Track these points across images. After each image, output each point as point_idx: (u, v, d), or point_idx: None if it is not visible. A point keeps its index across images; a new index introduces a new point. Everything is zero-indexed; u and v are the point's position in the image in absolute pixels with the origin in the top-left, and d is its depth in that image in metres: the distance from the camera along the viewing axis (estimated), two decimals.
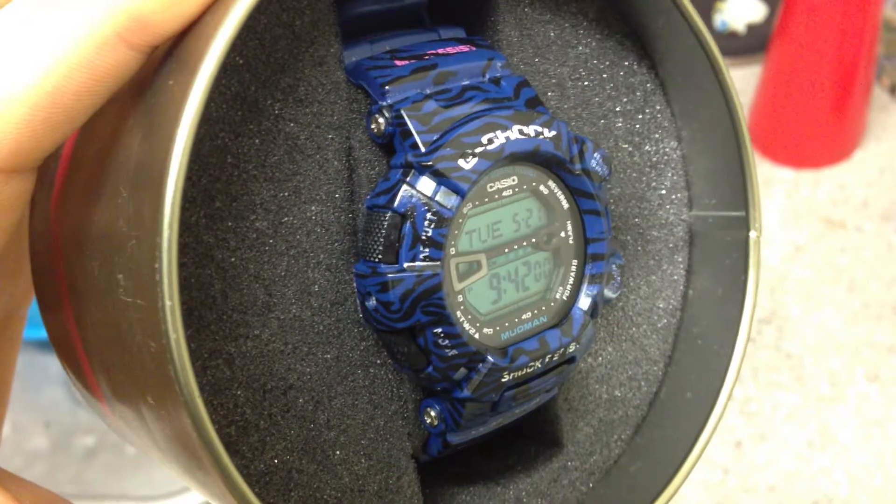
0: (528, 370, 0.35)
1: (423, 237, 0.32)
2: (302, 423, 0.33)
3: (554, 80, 0.39)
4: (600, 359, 0.41)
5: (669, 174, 0.42)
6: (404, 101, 0.33)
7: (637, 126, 0.41)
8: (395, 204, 0.32)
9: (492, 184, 0.34)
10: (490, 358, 0.33)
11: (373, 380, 0.35)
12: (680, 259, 0.42)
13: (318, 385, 0.34)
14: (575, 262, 0.36)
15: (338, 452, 0.34)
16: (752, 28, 1.88)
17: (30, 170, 0.31)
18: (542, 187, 0.35)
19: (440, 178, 0.32)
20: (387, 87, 0.33)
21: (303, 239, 0.33)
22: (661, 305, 0.42)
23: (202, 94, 0.26)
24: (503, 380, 0.34)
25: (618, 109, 0.41)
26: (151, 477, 1.19)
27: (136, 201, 0.27)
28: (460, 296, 0.33)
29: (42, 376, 1.34)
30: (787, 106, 1.63)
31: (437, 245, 0.32)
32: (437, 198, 0.32)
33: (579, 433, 0.40)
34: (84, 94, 0.29)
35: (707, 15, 1.91)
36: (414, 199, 0.32)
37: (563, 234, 0.36)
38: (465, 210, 0.33)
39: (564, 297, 0.36)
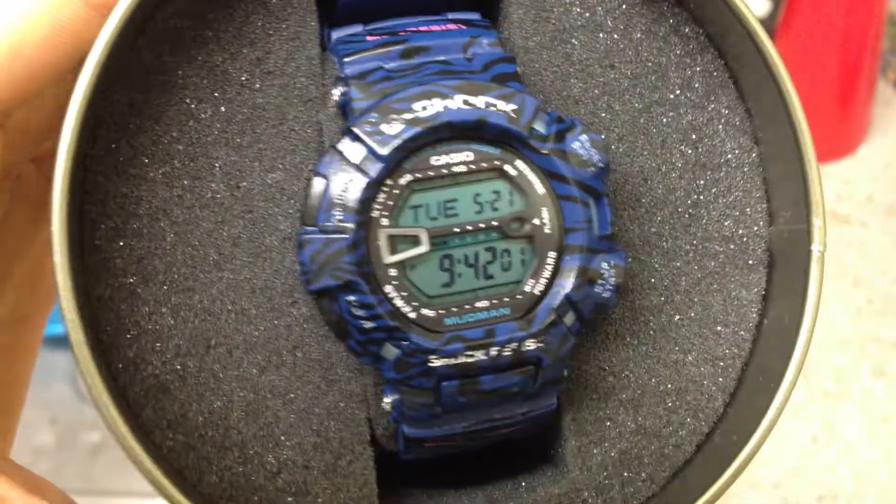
0: (466, 360, 0.32)
1: (337, 200, 0.32)
2: (244, 384, 0.34)
3: (577, 67, 0.37)
4: (626, 381, 0.37)
5: (739, 179, 0.38)
6: (357, 73, 0.33)
7: (694, 121, 0.38)
8: (319, 167, 0.32)
9: (437, 157, 0.32)
10: (413, 337, 0.32)
11: (328, 355, 0.35)
12: (754, 280, 0.37)
13: (265, 350, 0.34)
14: (553, 254, 0.33)
15: (280, 423, 0.34)
16: None
17: None
18: (508, 167, 0.33)
19: (360, 142, 0.32)
20: (345, 60, 0.33)
21: (260, 205, 0.34)
22: (723, 332, 0.37)
23: (106, 41, 0.31)
24: (431, 364, 0.32)
25: (666, 99, 0.37)
26: None
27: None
28: (394, 270, 0.32)
29: (48, 373, 1.35)
30: None
31: (351, 210, 0.32)
32: (361, 163, 0.32)
33: (592, 460, 0.36)
34: (45, 49, 0.30)
35: None
36: (335, 163, 0.32)
37: (537, 222, 0.33)
38: (401, 181, 0.32)
39: (536, 292, 0.33)
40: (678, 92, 0.38)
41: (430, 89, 0.32)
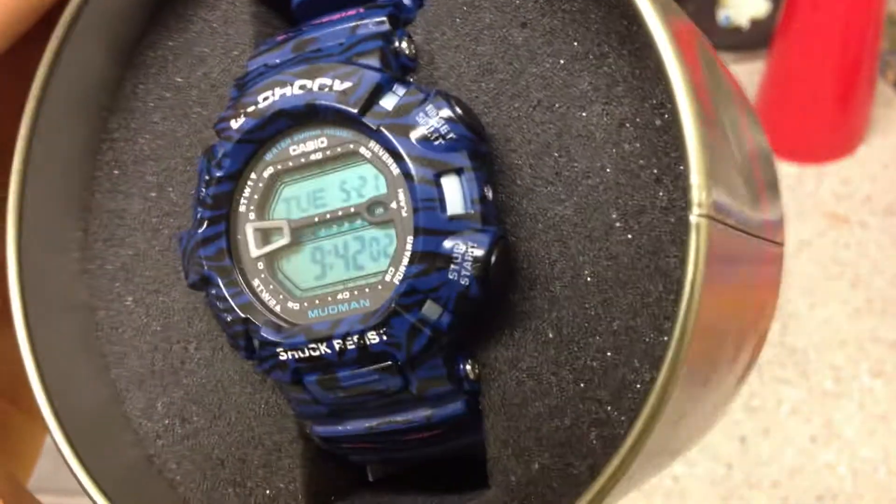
0: (311, 353, 0.31)
1: (199, 198, 0.32)
2: (192, 376, 0.36)
3: (486, 59, 0.33)
4: (548, 385, 0.32)
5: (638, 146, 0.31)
6: (242, 74, 0.33)
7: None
8: (198, 166, 0.33)
9: (294, 146, 0.32)
10: (262, 330, 0.32)
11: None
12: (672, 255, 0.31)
13: (203, 342, 0.36)
14: (411, 238, 0.30)
15: (222, 417, 0.35)
16: (755, 23, 1.88)
17: None
18: (363, 149, 0.31)
19: (219, 139, 0.32)
20: (248, 63, 0.34)
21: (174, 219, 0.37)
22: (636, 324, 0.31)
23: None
24: (281, 357, 0.31)
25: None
26: None
27: None
28: (261, 263, 0.32)
29: None
30: (790, 101, 1.63)
31: (206, 205, 0.32)
32: (217, 160, 0.32)
33: (513, 473, 0.32)
34: None
35: (710, 10, 1.91)
36: (202, 162, 0.33)
37: (394, 205, 0.31)
38: (265, 174, 0.32)
39: (396, 281, 0.30)
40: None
41: (275, 79, 0.31)
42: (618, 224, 0.30)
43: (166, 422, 0.37)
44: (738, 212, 0.30)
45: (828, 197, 1.59)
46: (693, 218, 0.27)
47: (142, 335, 0.37)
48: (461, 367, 0.32)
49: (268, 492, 0.35)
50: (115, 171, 0.38)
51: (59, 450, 0.34)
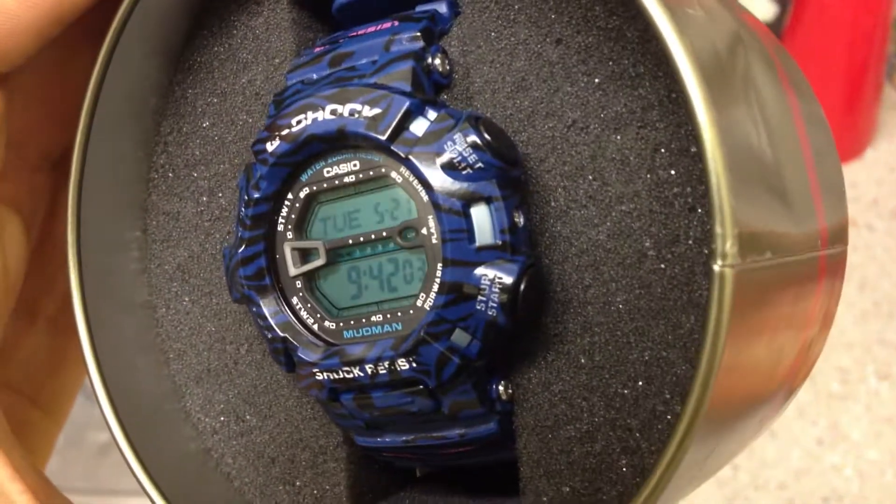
0: (346, 375, 0.31)
1: (239, 217, 0.33)
2: (244, 377, 0.37)
3: (520, 76, 0.32)
4: (580, 409, 0.31)
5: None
6: (286, 89, 0.33)
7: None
8: (239, 182, 0.34)
9: (328, 168, 0.32)
10: (300, 350, 0.32)
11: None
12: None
13: (254, 345, 0.37)
14: (441, 266, 0.30)
15: (272, 418, 0.36)
16: None
17: None
18: (394, 174, 0.31)
19: (255, 161, 0.33)
20: (287, 76, 0.34)
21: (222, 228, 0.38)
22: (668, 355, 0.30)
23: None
24: (317, 377, 0.32)
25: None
26: None
27: None
28: (299, 281, 0.33)
29: None
30: None
31: (245, 226, 0.33)
32: (254, 181, 0.32)
33: (544, 495, 0.32)
34: (25, 4, 0.32)
35: None
36: (242, 180, 0.33)
37: (425, 231, 0.30)
38: (301, 194, 0.33)
39: (427, 307, 0.30)
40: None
41: (308, 102, 0.32)
42: (651, 252, 0.30)
43: (222, 419, 0.37)
44: (777, 241, 0.28)
45: None
46: (717, 267, 0.25)
47: (198, 334, 0.38)
48: (494, 387, 0.32)
49: (315, 492, 0.36)
50: (170, 174, 0.38)
51: (117, 444, 0.35)
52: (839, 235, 0.34)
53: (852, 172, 1.64)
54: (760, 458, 1.26)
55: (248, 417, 0.37)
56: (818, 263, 0.32)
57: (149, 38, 0.36)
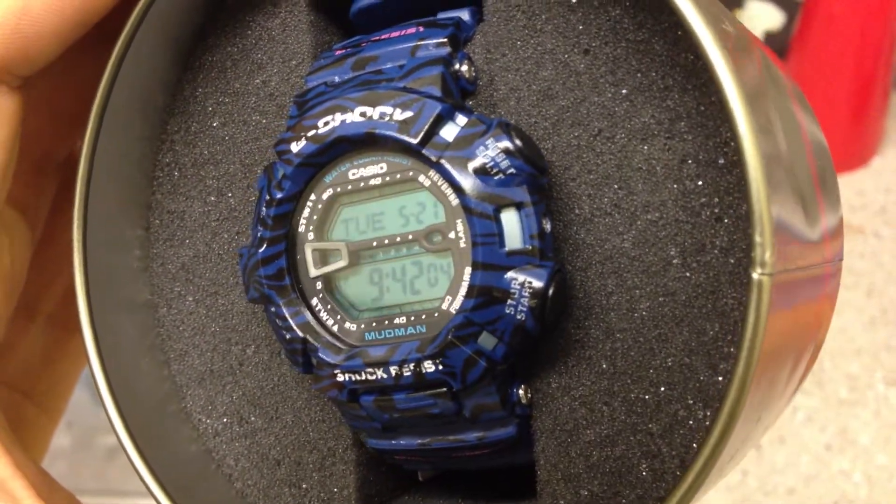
0: (369, 377, 0.31)
1: (260, 217, 0.33)
2: (250, 379, 0.37)
3: (546, 85, 0.32)
4: (600, 414, 0.32)
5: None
6: (308, 90, 0.33)
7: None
8: (258, 183, 0.33)
9: (354, 170, 0.32)
10: (321, 351, 0.32)
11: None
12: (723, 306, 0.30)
13: (261, 346, 0.37)
14: (469, 269, 0.30)
15: (279, 419, 0.36)
16: (769, 35, 1.89)
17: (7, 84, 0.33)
18: (422, 178, 0.31)
19: (277, 160, 0.33)
20: (307, 78, 0.34)
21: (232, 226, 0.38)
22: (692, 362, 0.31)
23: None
24: (338, 378, 0.32)
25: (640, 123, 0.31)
26: None
27: None
28: (319, 282, 0.33)
29: None
30: None
31: (266, 226, 0.33)
32: (277, 181, 0.32)
33: (561, 498, 0.32)
34: (52, 10, 0.32)
35: None
36: (263, 181, 0.33)
37: (452, 235, 0.31)
38: (324, 196, 0.32)
39: (452, 310, 0.31)
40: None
41: (336, 104, 0.32)
42: (676, 261, 0.30)
43: (225, 420, 0.37)
44: (801, 249, 0.29)
45: (843, 208, 1.60)
46: (756, 276, 0.26)
47: (202, 335, 0.38)
48: (514, 391, 0.32)
49: (322, 495, 0.36)
50: (176, 173, 0.38)
51: (120, 442, 0.35)
52: (836, 244, 0.36)
53: (860, 180, 1.65)
54: (769, 464, 1.26)
55: (252, 419, 0.37)
56: (825, 270, 0.34)
57: (159, 37, 0.36)
